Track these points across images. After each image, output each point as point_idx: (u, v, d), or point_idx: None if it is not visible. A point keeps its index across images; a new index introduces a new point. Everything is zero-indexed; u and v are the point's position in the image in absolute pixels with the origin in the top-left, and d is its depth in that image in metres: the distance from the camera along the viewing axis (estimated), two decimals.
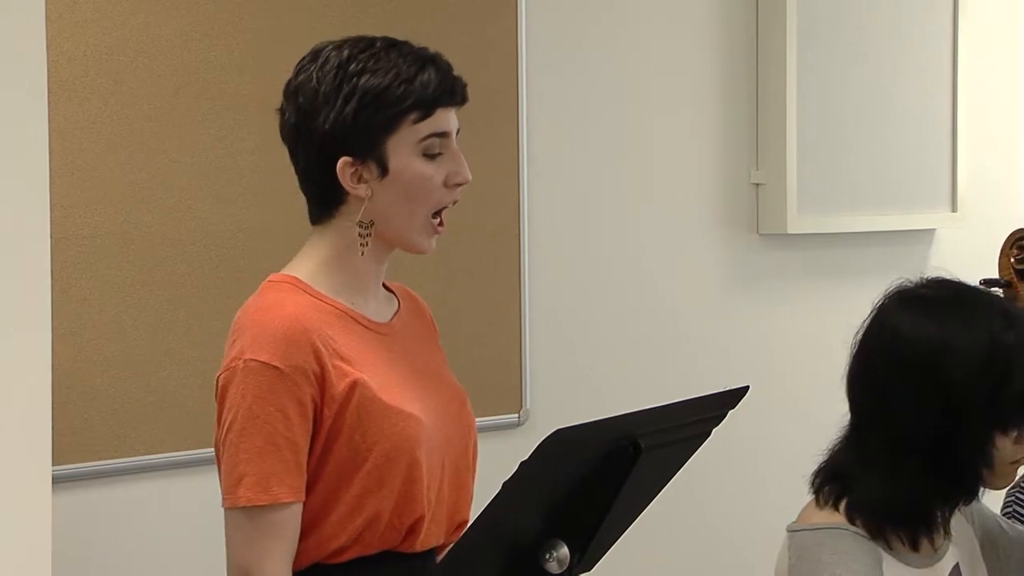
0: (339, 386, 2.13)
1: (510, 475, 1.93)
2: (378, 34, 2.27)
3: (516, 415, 3.52)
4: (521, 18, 3.51)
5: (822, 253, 4.05)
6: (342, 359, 2.14)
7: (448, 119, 2.21)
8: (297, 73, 2.21)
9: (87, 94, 2.91)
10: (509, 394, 3.52)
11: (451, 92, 2.21)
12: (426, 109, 2.17)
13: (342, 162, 2.17)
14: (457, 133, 2.24)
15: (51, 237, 2.33)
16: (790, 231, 3.92)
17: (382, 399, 2.15)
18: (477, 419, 3.38)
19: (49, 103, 2.35)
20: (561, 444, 1.93)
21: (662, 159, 3.80)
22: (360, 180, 2.18)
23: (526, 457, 1.92)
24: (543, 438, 1.91)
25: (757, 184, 3.93)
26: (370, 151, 2.17)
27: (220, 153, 3.05)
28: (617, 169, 3.73)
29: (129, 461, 2.98)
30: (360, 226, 2.20)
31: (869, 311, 2.41)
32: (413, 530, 2.18)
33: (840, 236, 4.06)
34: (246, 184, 3.05)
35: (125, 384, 2.96)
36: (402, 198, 2.19)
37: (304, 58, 2.22)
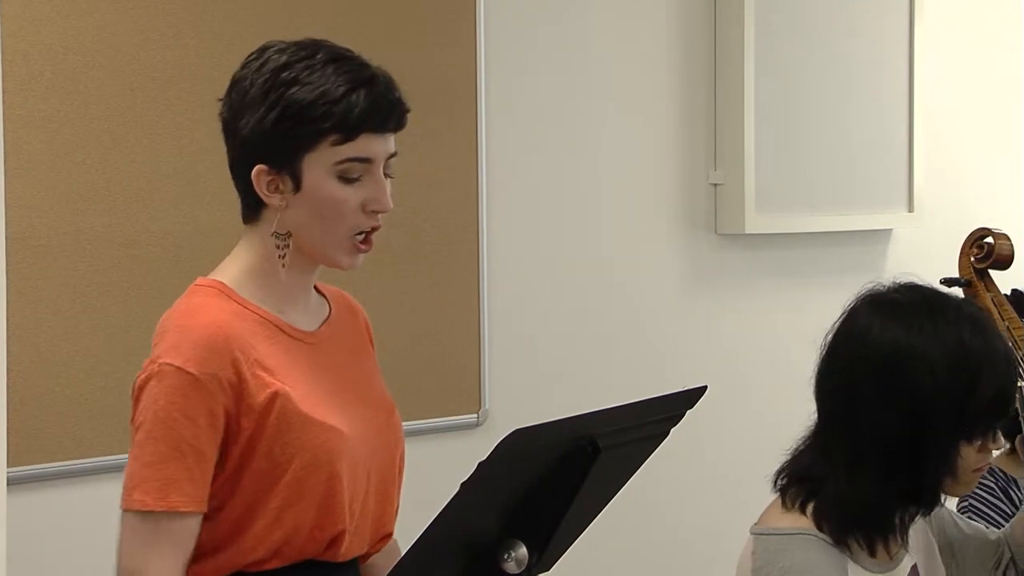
0: (259, 397, 2.09)
1: (469, 475, 1.92)
2: (337, 35, 2.24)
3: (475, 415, 3.52)
4: (480, 19, 3.51)
5: (780, 253, 4.06)
6: (263, 369, 2.11)
7: (373, 145, 2.13)
8: (242, 67, 2.16)
9: (43, 93, 2.89)
10: (468, 394, 3.52)
11: (381, 118, 2.13)
12: (347, 133, 2.10)
13: (257, 169, 2.13)
14: (391, 157, 2.17)
15: (6, 238, 2.31)
16: (748, 231, 3.93)
17: (303, 411, 2.12)
18: (436, 420, 3.39)
19: (4, 102, 2.34)
20: (519, 444, 1.93)
21: (621, 159, 3.81)
22: (276, 190, 2.13)
23: (484, 457, 1.92)
24: (502, 438, 1.91)
25: (715, 184, 3.94)
26: (286, 164, 2.12)
27: (177, 154, 3.04)
28: (575, 169, 3.73)
29: (85, 463, 2.96)
30: (276, 236, 2.15)
31: (835, 311, 2.42)
32: (335, 543, 2.14)
33: (798, 236, 4.07)
34: (203, 185, 3.03)
35: (81, 385, 2.94)
36: (314, 217, 2.13)
37: (252, 53, 2.17)
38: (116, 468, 2.93)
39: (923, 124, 4.30)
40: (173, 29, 3.05)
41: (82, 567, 2.96)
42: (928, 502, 2.34)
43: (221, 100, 2.19)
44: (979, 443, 2.30)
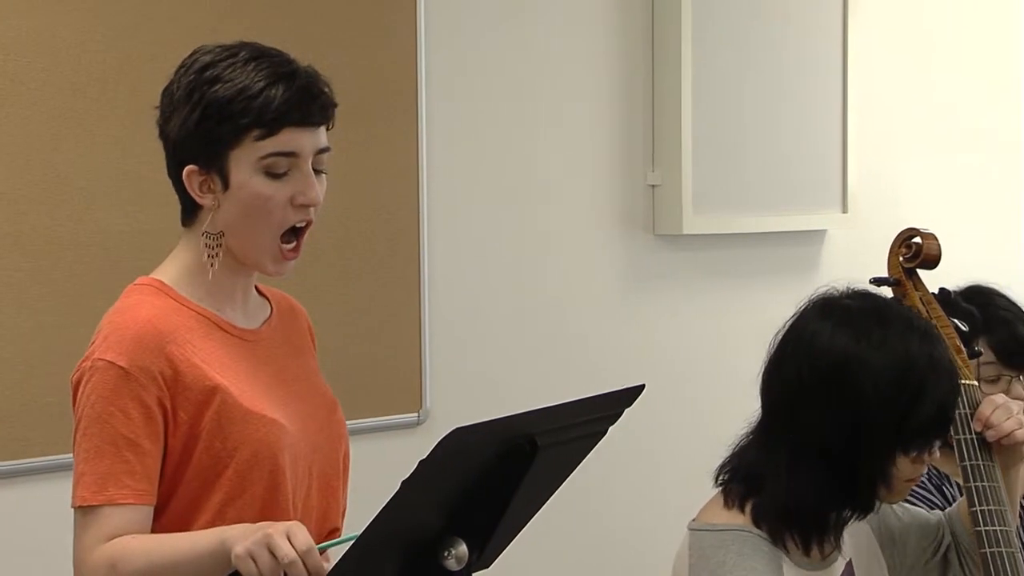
0: (196, 389, 2.10)
1: (409, 473, 1.93)
2: (278, 39, 2.24)
3: (416, 414, 3.52)
4: (420, 22, 3.51)
5: (717, 253, 4.08)
6: (201, 364, 2.11)
7: (297, 139, 2.12)
8: (175, 72, 2.17)
9: None
10: (409, 394, 3.52)
11: (303, 112, 2.12)
12: (268, 127, 2.10)
13: (188, 170, 2.13)
14: (321, 152, 2.16)
15: None
16: (685, 232, 3.95)
17: (243, 405, 2.12)
18: (378, 418, 3.39)
19: None
20: (459, 443, 1.93)
21: (559, 160, 3.82)
22: (207, 190, 2.13)
23: (425, 456, 1.92)
24: (442, 437, 1.91)
25: (653, 185, 3.96)
26: (213, 162, 2.12)
27: (118, 156, 3.02)
28: (515, 170, 3.74)
29: (28, 463, 2.94)
30: (207, 236, 2.14)
31: (771, 310, 2.43)
32: None
33: (734, 236, 4.10)
34: (144, 187, 3.02)
35: (23, 386, 2.92)
36: (242, 215, 2.13)
37: (185, 58, 2.17)
38: (58, 468, 2.93)
39: (856, 127, 4.33)
40: (113, 32, 3.03)
41: (27, 567, 2.95)
42: (863, 507, 2.36)
43: (157, 107, 2.19)
44: (915, 455, 2.32)
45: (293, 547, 1.95)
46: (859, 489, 2.31)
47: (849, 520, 2.37)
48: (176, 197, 2.19)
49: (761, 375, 2.37)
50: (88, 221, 3.01)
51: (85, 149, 3.00)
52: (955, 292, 2.86)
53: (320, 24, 3.32)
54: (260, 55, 2.15)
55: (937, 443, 2.34)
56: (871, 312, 2.35)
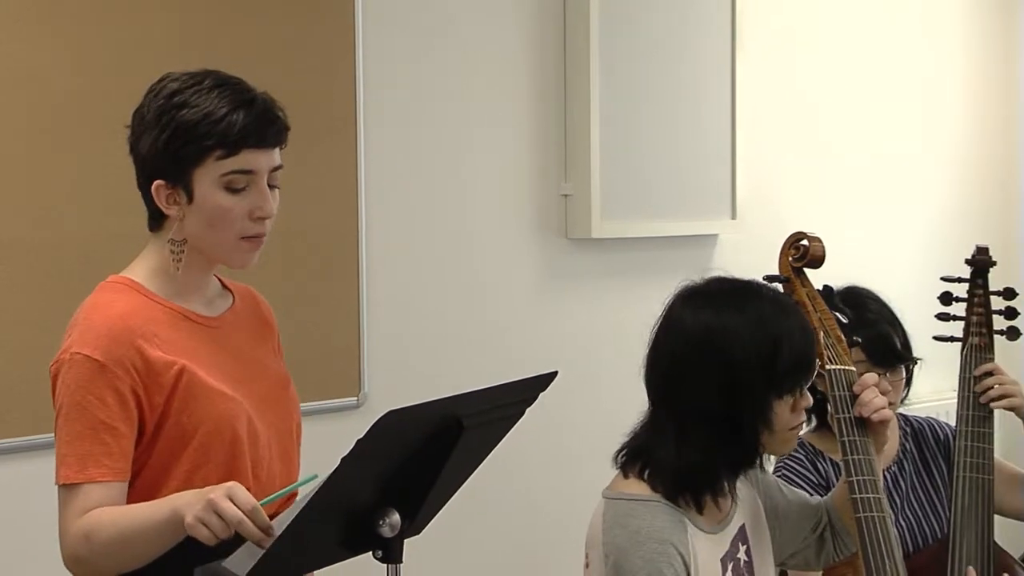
0: (166, 375, 2.10)
1: (348, 450, 1.92)
2: (229, 64, 2.26)
3: (355, 398, 3.51)
4: (358, 47, 3.49)
5: (622, 255, 4.09)
6: (168, 351, 2.12)
7: (254, 159, 2.14)
8: (144, 96, 2.19)
9: None
10: (349, 379, 3.50)
11: (260, 135, 2.14)
12: (229, 148, 2.12)
13: (156, 184, 2.14)
14: (276, 170, 2.18)
15: None
16: (594, 236, 3.96)
17: (205, 383, 2.13)
18: (320, 402, 3.38)
19: None
20: (393, 423, 1.93)
21: (484, 172, 3.82)
22: (173, 203, 2.15)
23: (362, 435, 1.91)
24: (378, 418, 1.91)
25: (566, 195, 3.96)
26: (179, 178, 2.13)
27: (89, 169, 2.98)
28: (445, 179, 3.74)
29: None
30: (172, 243, 2.17)
31: (662, 308, 2.45)
32: None
33: (637, 240, 4.11)
34: (112, 197, 2.97)
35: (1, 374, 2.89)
36: (205, 225, 2.15)
37: (153, 83, 2.19)
38: (30, 448, 2.90)
39: (744, 141, 4.35)
40: (86, 55, 3.01)
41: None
42: (748, 461, 2.38)
43: (128, 127, 2.19)
44: (790, 401, 2.34)
45: (238, 508, 1.95)
46: (743, 439, 2.34)
47: (737, 475, 2.39)
48: (137, 206, 2.20)
49: (643, 368, 2.39)
50: (61, 228, 2.97)
51: (58, 165, 2.97)
52: (836, 291, 2.89)
53: (268, 51, 3.30)
54: (223, 83, 2.16)
55: (805, 386, 2.36)
56: (726, 291, 2.39)
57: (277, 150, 2.19)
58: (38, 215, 2.96)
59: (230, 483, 2.00)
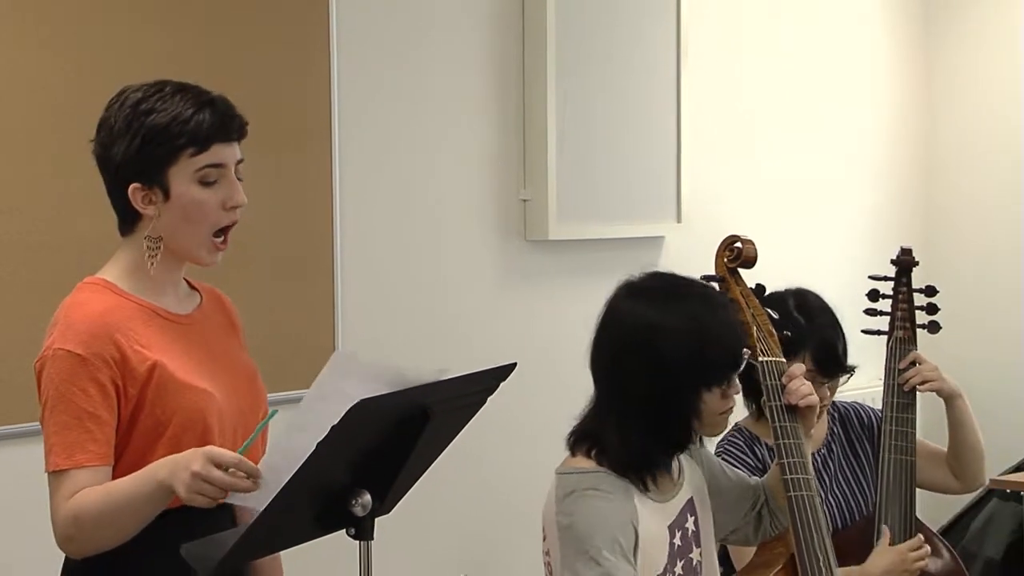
0: (140, 368, 2.10)
1: (323, 436, 1.92)
2: (209, 74, 2.30)
3: None
4: (333, 56, 3.49)
5: (576, 255, 4.10)
6: (142, 346, 2.11)
7: (224, 153, 2.16)
8: (105, 109, 2.19)
9: None
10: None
11: (226, 130, 2.15)
12: (200, 145, 2.13)
13: (132, 187, 2.14)
14: (239, 163, 2.19)
15: None
16: (551, 237, 3.96)
17: (178, 378, 2.12)
18: (294, 391, 3.36)
19: None
20: (365, 411, 1.93)
21: (451, 178, 3.82)
22: (149, 203, 2.14)
23: (336, 422, 1.91)
24: (351, 406, 1.91)
25: (525, 200, 3.97)
26: (155, 178, 2.13)
27: (62, 176, 2.95)
28: (414, 186, 3.74)
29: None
30: (149, 240, 2.16)
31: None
32: None
33: (590, 242, 4.12)
34: (84, 203, 2.94)
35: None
36: (182, 218, 2.15)
37: (112, 97, 2.19)
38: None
39: (688, 149, 4.36)
40: (75, 65, 2.99)
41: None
42: (682, 443, 2.39)
43: (92, 140, 2.19)
44: (718, 390, 2.35)
45: (223, 467, 1.95)
46: (678, 426, 2.35)
47: (674, 455, 2.40)
48: (106, 211, 2.20)
49: (588, 358, 2.40)
50: (38, 231, 2.96)
51: (38, 174, 2.95)
52: (786, 294, 2.91)
53: (253, 62, 3.29)
54: (182, 88, 2.17)
55: (733, 378, 2.37)
56: (662, 287, 2.40)
57: (238, 144, 2.19)
58: (34, 218, 2.95)
59: (206, 448, 2.00)
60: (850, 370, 3.02)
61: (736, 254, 2.62)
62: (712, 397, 2.34)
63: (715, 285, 2.63)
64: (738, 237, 2.63)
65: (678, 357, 2.30)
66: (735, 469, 2.62)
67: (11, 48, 2.90)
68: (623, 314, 2.37)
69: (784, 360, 2.53)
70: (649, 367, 2.31)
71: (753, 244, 2.61)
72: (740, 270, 2.63)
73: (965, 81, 5.28)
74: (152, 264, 2.17)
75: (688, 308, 2.34)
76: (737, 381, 2.38)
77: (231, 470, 1.97)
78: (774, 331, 2.57)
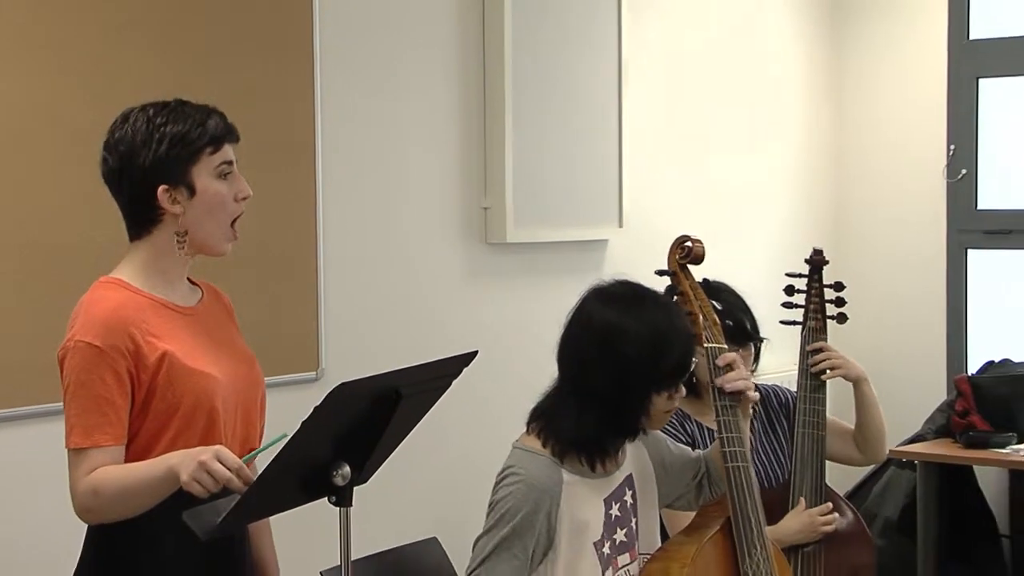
0: (151, 357, 2.10)
1: (307, 416, 1.92)
2: (206, 92, 2.29)
3: (314, 372, 3.49)
4: (317, 80, 3.47)
5: (531, 256, 4.10)
6: (154, 336, 2.12)
7: (230, 152, 2.21)
8: (113, 132, 2.19)
9: None
10: (309, 357, 3.49)
11: (231, 132, 2.21)
12: (216, 144, 2.17)
13: (161, 189, 2.14)
14: (234, 163, 2.23)
15: None
16: (509, 241, 3.97)
17: (186, 364, 2.13)
18: (283, 375, 3.37)
19: None
20: (344, 393, 1.94)
21: (420, 189, 3.82)
22: (175, 201, 2.15)
23: (319, 403, 1.92)
24: (331, 389, 1.91)
25: (485, 208, 3.97)
26: (181, 178, 2.15)
27: (75, 188, 2.92)
28: (388, 195, 3.73)
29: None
30: (177, 235, 2.18)
31: (567, 299, 2.46)
32: None
33: (543, 244, 4.12)
34: (97, 212, 2.95)
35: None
36: (207, 211, 2.17)
37: (116, 120, 2.20)
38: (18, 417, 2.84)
39: (629, 162, 4.35)
40: (85, 88, 2.96)
41: None
42: (631, 433, 2.40)
43: (103, 159, 2.19)
44: (666, 394, 2.36)
45: (226, 467, 1.96)
46: (627, 421, 2.36)
47: (622, 443, 2.41)
48: (110, 220, 2.22)
49: (556, 348, 2.41)
50: (67, 231, 2.94)
51: (50, 184, 2.93)
52: (703, 283, 2.92)
53: (246, 87, 3.28)
54: (184, 103, 2.21)
55: (680, 384, 2.38)
56: (629, 296, 2.40)
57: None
58: (50, 222, 2.93)
59: (216, 447, 2.01)
60: (758, 339, 3.05)
61: (687, 252, 2.63)
62: (660, 399, 2.35)
63: (666, 278, 2.63)
64: (689, 237, 2.64)
65: (636, 360, 2.31)
66: (678, 444, 2.63)
67: (26, 72, 2.88)
68: (591, 315, 2.37)
69: (727, 347, 2.55)
70: (609, 365, 2.31)
71: (702, 244, 2.61)
72: (689, 266, 2.64)
73: (869, 97, 5.29)
74: (182, 252, 2.19)
75: (649, 316, 2.34)
76: (683, 386, 2.39)
77: (234, 469, 1.98)
78: (718, 320, 2.59)
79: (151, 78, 3.03)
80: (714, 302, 2.67)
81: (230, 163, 2.19)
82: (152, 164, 2.14)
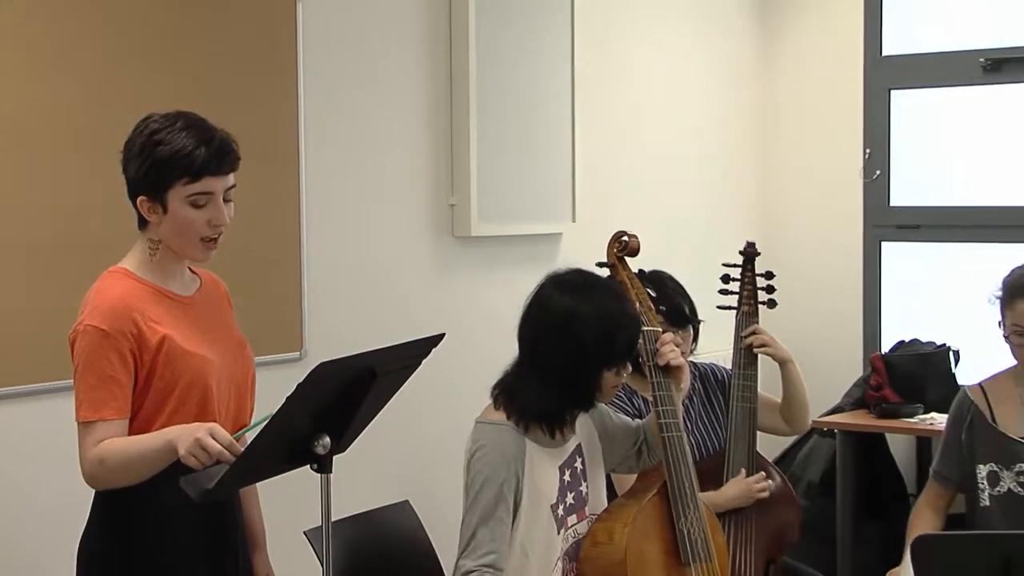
0: (152, 340, 2.11)
1: (291, 392, 1.92)
2: (197, 100, 2.32)
3: (298, 353, 3.49)
4: (301, 87, 3.45)
5: (493, 249, 4.11)
6: (155, 322, 2.13)
7: (212, 183, 2.15)
8: (134, 130, 2.20)
9: None
10: (293, 338, 3.48)
11: (217, 166, 2.15)
12: (193, 176, 2.13)
13: (140, 199, 2.16)
14: (230, 188, 2.19)
15: None
16: (473, 234, 3.97)
17: (183, 347, 2.14)
18: (270, 355, 3.36)
19: None
20: (324, 371, 1.95)
21: (393, 187, 3.82)
22: (153, 213, 2.16)
23: (302, 380, 1.92)
24: (313, 367, 1.91)
25: (452, 204, 3.97)
26: (157, 196, 2.15)
27: (89, 184, 2.92)
28: (364, 192, 3.73)
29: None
30: (150, 242, 2.18)
31: (525, 287, 2.47)
32: None
33: (504, 238, 4.13)
34: (104, 207, 2.92)
35: (15, 332, 2.82)
36: (175, 231, 2.17)
37: (139, 121, 2.20)
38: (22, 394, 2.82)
39: (582, 160, 4.35)
40: (86, 94, 2.94)
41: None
42: (585, 406, 2.42)
43: (121, 152, 2.20)
44: (615, 369, 2.38)
45: (218, 443, 1.97)
46: (582, 394, 2.38)
47: (576, 415, 2.43)
48: (119, 213, 2.21)
49: (517, 329, 2.42)
50: (79, 225, 2.92)
51: (64, 183, 2.90)
52: (640, 272, 2.94)
53: (235, 91, 3.26)
54: (191, 124, 2.17)
55: (628, 362, 2.40)
56: (582, 282, 2.42)
57: (231, 175, 2.19)
58: (60, 218, 2.90)
59: (211, 424, 2.03)
60: (695, 321, 3.08)
61: (623, 246, 2.66)
62: (610, 375, 2.38)
63: (606, 270, 2.65)
64: (625, 232, 2.67)
65: (589, 341, 2.33)
66: (620, 414, 2.65)
67: (33, 77, 2.85)
68: (550, 299, 2.39)
69: (660, 329, 2.57)
70: (565, 345, 2.34)
71: (637, 238, 2.65)
72: (627, 258, 2.67)
73: (794, 107, 5.31)
74: (152, 258, 2.19)
75: (601, 301, 2.36)
76: (629, 364, 2.41)
77: (226, 445, 1.99)
78: (652, 306, 2.61)
79: (147, 80, 3.02)
80: (653, 289, 2.69)
81: (208, 194, 2.14)
82: (136, 177, 2.16)
